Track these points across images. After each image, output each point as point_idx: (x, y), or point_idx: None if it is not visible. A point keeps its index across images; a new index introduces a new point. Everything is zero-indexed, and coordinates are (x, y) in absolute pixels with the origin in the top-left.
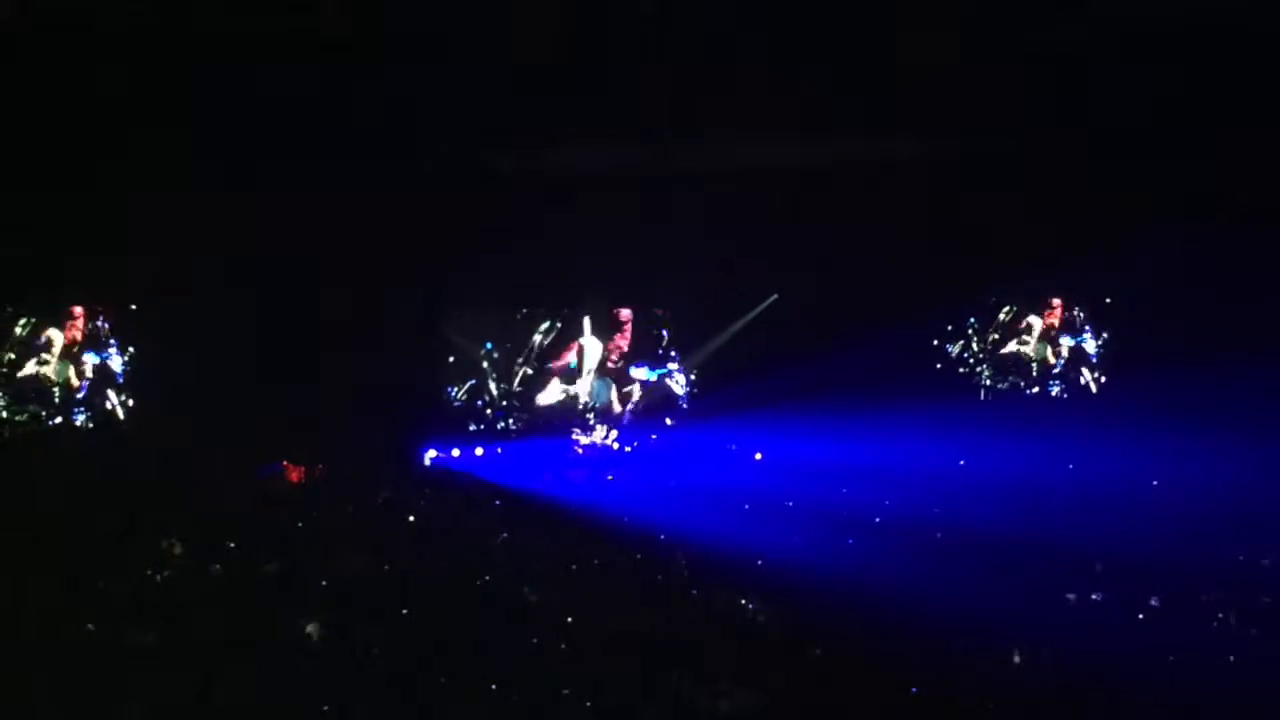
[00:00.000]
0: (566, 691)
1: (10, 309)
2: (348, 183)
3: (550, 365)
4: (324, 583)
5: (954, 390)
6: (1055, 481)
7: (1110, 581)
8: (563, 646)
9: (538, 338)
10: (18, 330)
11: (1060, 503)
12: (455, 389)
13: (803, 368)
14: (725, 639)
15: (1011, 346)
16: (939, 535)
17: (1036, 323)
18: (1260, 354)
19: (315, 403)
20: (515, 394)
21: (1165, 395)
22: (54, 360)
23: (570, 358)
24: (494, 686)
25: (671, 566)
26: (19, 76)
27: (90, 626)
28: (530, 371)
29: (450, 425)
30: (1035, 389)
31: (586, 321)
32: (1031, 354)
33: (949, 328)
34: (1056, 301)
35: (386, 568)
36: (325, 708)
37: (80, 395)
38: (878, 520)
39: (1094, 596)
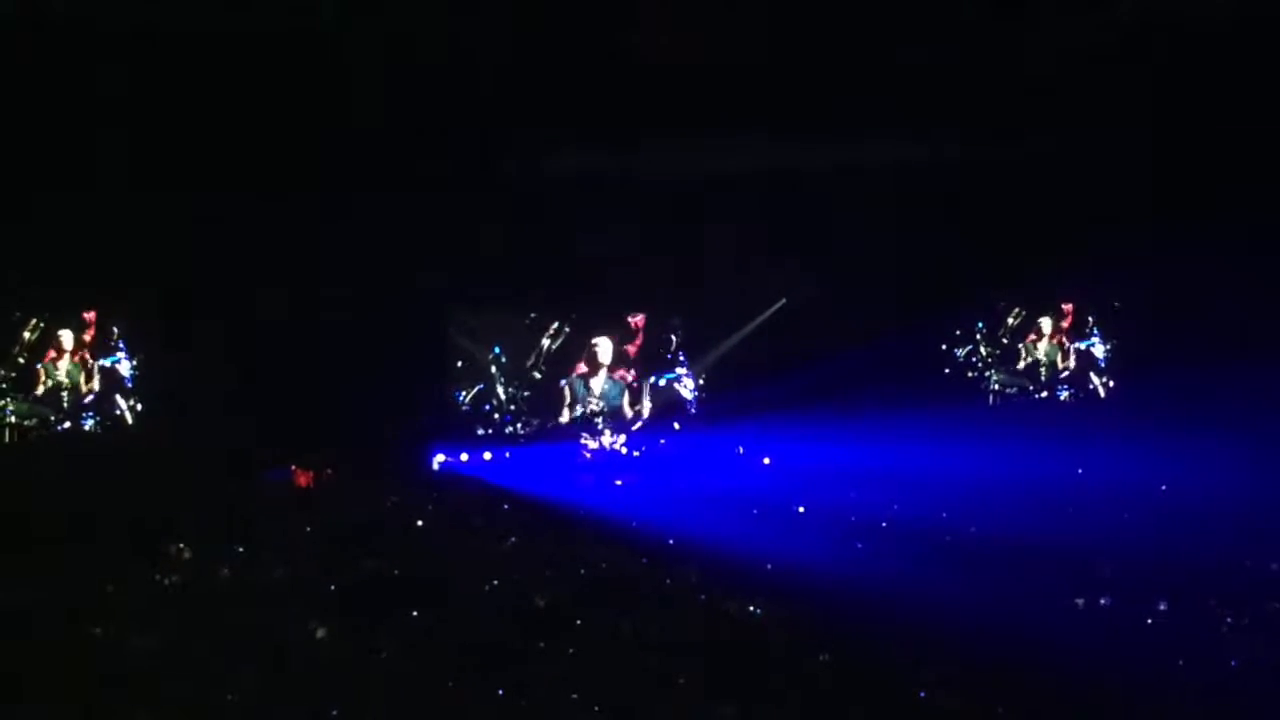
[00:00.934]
0: (575, 696)
1: (19, 313)
2: (351, 184)
3: (565, 378)
4: (332, 587)
5: (962, 394)
6: (1063, 486)
7: (1118, 586)
8: (570, 651)
9: (545, 341)
10: (27, 334)
11: (1068, 507)
12: (463, 393)
13: (811, 372)
14: (734, 644)
15: (1020, 351)
16: (948, 539)
17: (1045, 326)
18: (1271, 358)
19: (323, 407)
20: (523, 398)
21: (1174, 400)
22: (63, 364)
23: (581, 366)
24: (501, 691)
25: (680, 571)
26: (20, 75)
27: (97, 631)
28: (539, 376)
29: (458, 430)
30: (1044, 393)
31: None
32: (1040, 358)
33: (957, 332)
34: (1066, 305)
35: (395, 572)
36: (334, 712)
37: (89, 399)
38: (885, 525)
39: (1102, 601)
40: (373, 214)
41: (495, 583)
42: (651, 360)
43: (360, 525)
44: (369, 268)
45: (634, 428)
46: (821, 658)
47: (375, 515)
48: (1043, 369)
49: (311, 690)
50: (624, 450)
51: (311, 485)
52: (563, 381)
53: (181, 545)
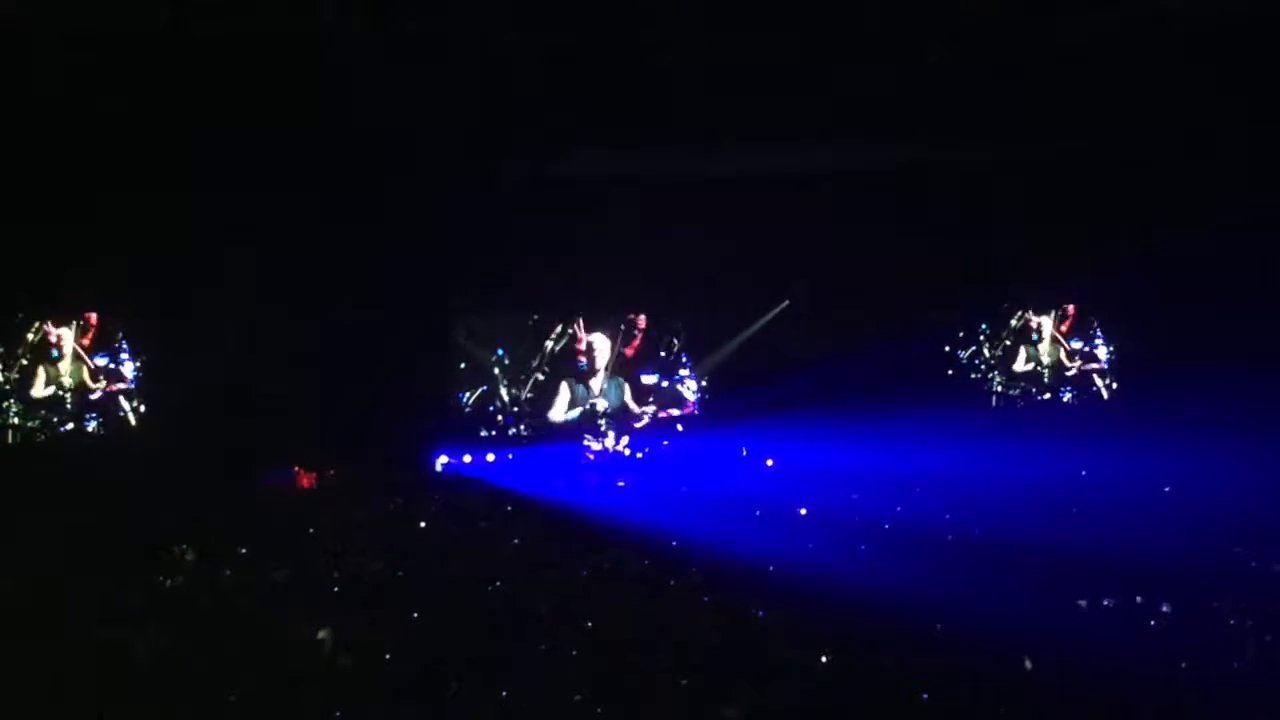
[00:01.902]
0: (579, 698)
1: (22, 314)
2: (353, 185)
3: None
4: (336, 589)
5: (965, 396)
6: (1066, 487)
7: (1122, 587)
8: (574, 653)
9: (549, 344)
10: (29, 336)
11: (1071, 508)
12: (466, 395)
13: (814, 374)
14: (736, 645)
15: (1023, 352)
16: (948, 535)
17: (1048, 328)
18: (1275, 359)
19: (326, 409)
20: (527, 400)
21: (1177, 401)
22: (66, 366)
23: (580, 360)
24: (505, 693)
25: (683, 572)
26: (21, 77)
27: (99, 633)
28: (542, 378)
29: (461, 431)
30: (1047, 395)
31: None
32: (1043, 360)
33: (960, 334)
34: (1069, 307)
35: (399, 574)
36: (337, 714)
37: (91, 401)
38: (887, 527)
39: (1105, 603)
40: (374, 215)
41: (498, 584)
42: (651, 360)
43: (363, 526)
44: (371, 269)
45: (636, 425)
46: (824, 659)
47: (378, 516)
48: (1045, 371)
49: (314, 692)
50: (626, 451)
51: (314, 486)
52: (563, 383)
53: (184, 546)
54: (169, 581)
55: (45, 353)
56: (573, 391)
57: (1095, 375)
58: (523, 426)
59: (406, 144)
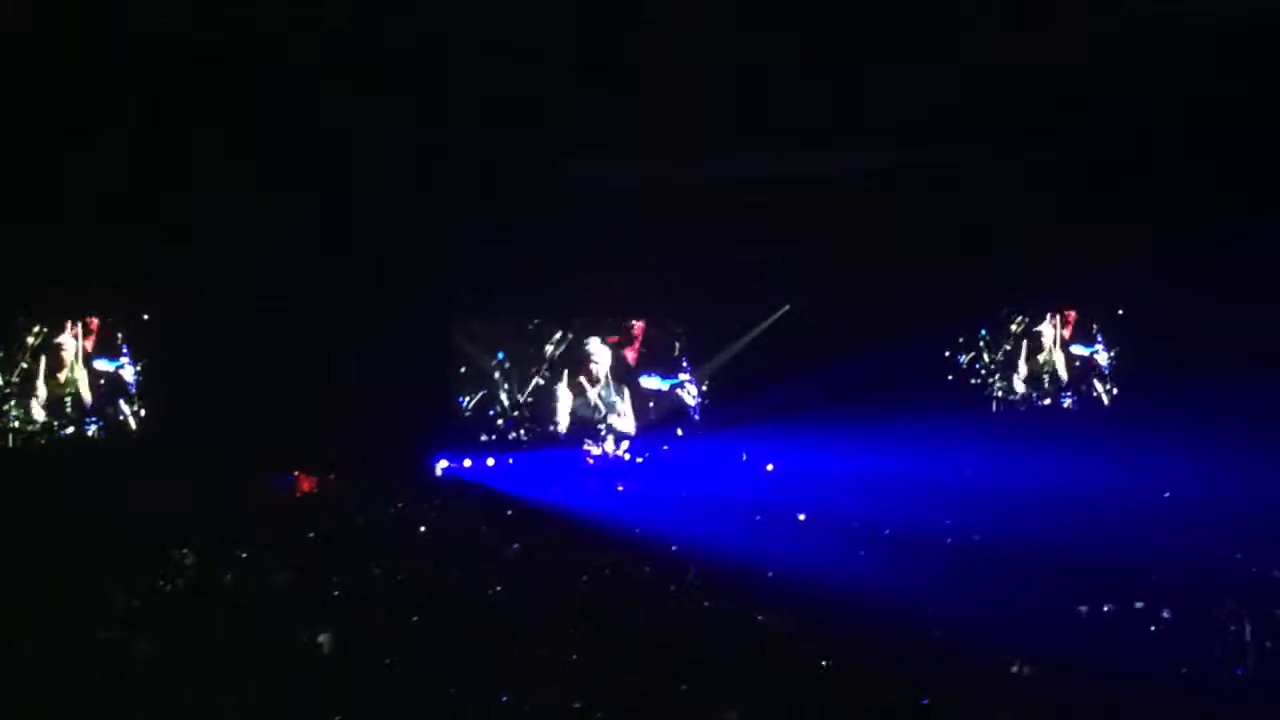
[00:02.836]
0: (578, 705)
1: (23, 318)
2: (355, 188)
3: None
4: (336, 593)
5: (966, 401)
6: (1067, 492)
7: (1121, 593)
8: (574, 657)
9: (549, 348)
10: (30, 339)
11: (1072, 513)
12: (467, 399)
13: (814, 379)
14: (736, 649)
15: (1023, 357)
16: (949, 540)
17: (1048, 334)
18: (1274, 365)
19: (327, 413)
20: (527, 404)
21: (1177, 406)
22: (66, 369)
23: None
24: (505, 698)
25: (683, 577)
26: (23, 79)
27: (100, 635)
28: (542, 382)
29: (462, 436)
30: (1047, 400)
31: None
32: (1043, 365)
33: (960, 339)
34: (1069, 313)
35: (399, 578)
36: (337, 718)
37: (92, 405)
38: (887, 532)
39: (1105, 608)
40: (376, 218)
41: (498, 588)
42: (651, 365)
43: (363, 531)
44: (372, 271)
45: (636, 430)
46: (824, 663)
47: (378, 521)
48: (1046, 376)
49: (314, 696)
50: (627, 456)
51: (315, 491)
52: (563, 388)
53: (185, 550)
54: (169, 585)
55: (46, 356)
56: (573, 396)
57: (1095, 380)
58: (523, 431)
59: (407, 147)
